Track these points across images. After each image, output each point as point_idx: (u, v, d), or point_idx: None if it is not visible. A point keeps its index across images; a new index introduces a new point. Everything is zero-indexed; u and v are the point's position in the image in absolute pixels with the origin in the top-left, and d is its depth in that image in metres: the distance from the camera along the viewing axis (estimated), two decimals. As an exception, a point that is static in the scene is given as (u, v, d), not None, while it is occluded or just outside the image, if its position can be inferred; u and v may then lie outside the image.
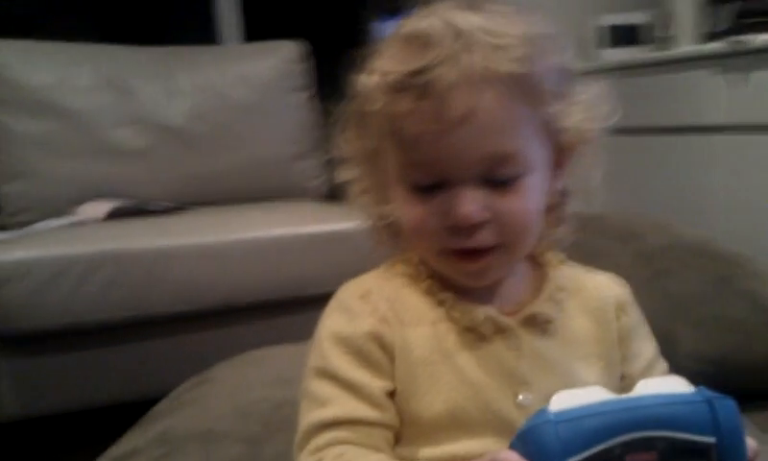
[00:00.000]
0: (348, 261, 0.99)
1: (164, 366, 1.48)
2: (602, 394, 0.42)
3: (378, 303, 0.59)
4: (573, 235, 0.64)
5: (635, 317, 0.65)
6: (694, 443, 0.40)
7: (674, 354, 0.89)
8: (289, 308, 1.55)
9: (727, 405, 0.41)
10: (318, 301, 0.63)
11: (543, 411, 0.41)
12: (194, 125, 2.04)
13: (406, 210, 0.57)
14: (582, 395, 0.41)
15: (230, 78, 2.12)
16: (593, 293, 0.64)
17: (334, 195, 1.77)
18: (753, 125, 1.81)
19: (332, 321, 0.60)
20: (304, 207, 1.95)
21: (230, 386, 0.92)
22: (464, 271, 0.57)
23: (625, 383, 0.61)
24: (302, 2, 2.98)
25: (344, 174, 0.65)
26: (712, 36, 2.11)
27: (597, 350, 0.62)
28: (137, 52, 2.13)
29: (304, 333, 0.63)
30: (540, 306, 0.60)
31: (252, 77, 2.15)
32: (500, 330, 0.58)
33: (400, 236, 0.62)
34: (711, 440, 0.40)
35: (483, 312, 0.58)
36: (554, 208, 0.62)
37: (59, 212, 1.81)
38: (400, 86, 0.53)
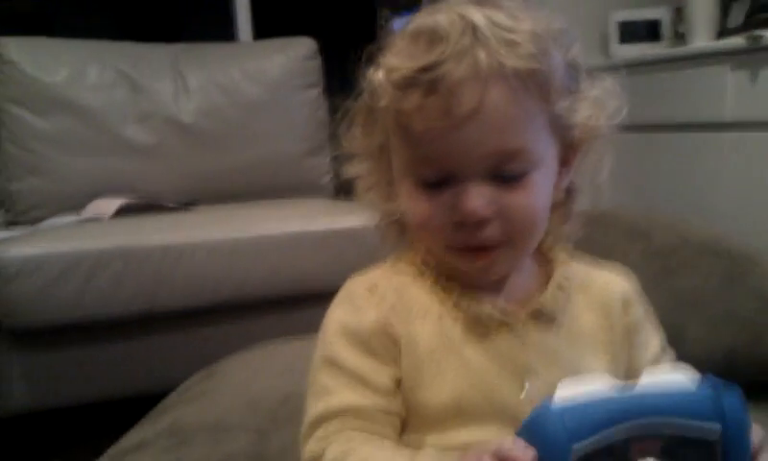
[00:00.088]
0: (356, 258, 0.99)
1: (173, 360, 1.49)
2: (607, 382, 0.42)
3: (385, 296, 0.59)
4: (582, 232, 0.64)
5: (641, 310, 0.65)
6: (699, 430, 0.40)
7: (683, 352, 0.89)
8: (297, 304, 1.55)
9: (732, 393, 0.41)
10: (326, 297, 0.63)
11: (549, 399, 0.41)
12: (205, 121, 2.05)
13: (413, 206, 0.57)
14: (587, 383, 0.42)
15: (242, 75, 2.13)
16: (600, 287, 0.64)
17: (345, 192, 1.78)
18: (765, 122, 1.80)
19: (339, 313, 0.60)
20: (314, 204, 1.95)
21: (239, 379, 0.93)
22: (469, 267, 0.57)
23: (631, 375, 0.61)
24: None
25: (352, 170, 0.66)
26: (726, 33, 2.09)
27: (603, 343, 0.62)
28: (149, 49, 2.14)
29: (312, 328, 0.63)
30: (546, 300, 0.60)
31: (263, 74, 2.15)
32: (506, 323, 0.58)
33: (407, 232, 0.62)
34: (717, 427, 0.40)
35: (488, 305, 0.58)
36: (561, 205, 0.62)
37: (70, 209, 1.83)
38: (408, 83, 0.53)
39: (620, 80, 0.61)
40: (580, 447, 0.39)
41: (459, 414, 0.56)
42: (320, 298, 0.66)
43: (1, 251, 1.37)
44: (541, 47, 0.53)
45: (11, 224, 1.88)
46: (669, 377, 0.42)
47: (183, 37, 2.27)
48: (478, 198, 0.53)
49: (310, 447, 0.56)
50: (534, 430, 0.41)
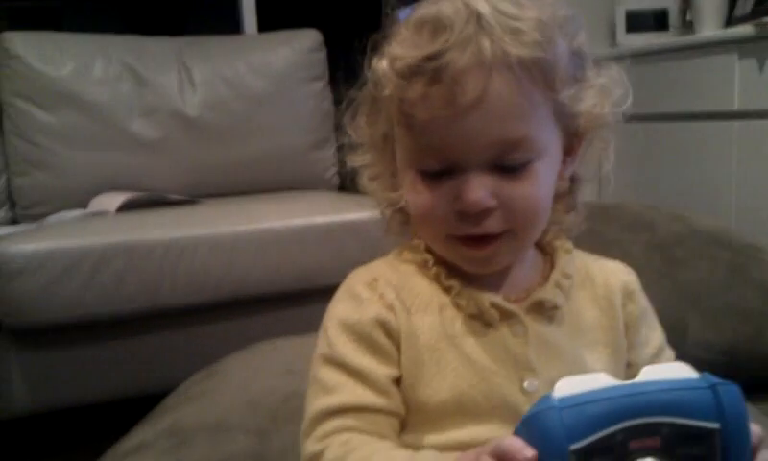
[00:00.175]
0: (360, 251, 0.99)
1: (174, 359, 1.48)
2: (606, 380, 0.42)
3: (385, 291, 0.59)
4: (585, 224, 0.64)
5: (642, 305, 0.65)
6: (698, 428, 0.40)
7: (685, 343, 0.88)
8: (299, 301, 1.55)
9: (731, 391, 0.40)
10: (328, 293, 0.63)
11: (547, 397, 0.41)
12: (210, 115, 2.05)
13: (414, 196, 0.57)
14: (586, 381, 0.41)
15: (247, 68, 2.13)
16: (600, 281, 0.64)
17: (350, 185, 1.77)
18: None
19: (339, 308, 0.60)
20: (318, 197, 1.95)
21: (239, 378, 0.93)
22: (471, 257, 0.57)
23: (632, 371, 0.61)
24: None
25: (355, 159, 0.66)
26: (734, 21, 2.08)
27: (604, 337, 0.61)
28: (153, 42, 2.14)
29: (314, 326, 0.63)
30: (547, 293, 0.59)
31: (268, 67, 2.15)
32: (506, 317, 0.58)
33: (410, 223, 0.62)
34: (715, 425, 0.40)
35: (488, 299, 0.58)
36: (565, 195, 0.62)
37: (73, 204, 1.83)
38: (412, 71, 0.52)
39: (627, 69, 0.60)
40: (578, 445, 0.39)
41: (459, 411, 0.56)
42: (322, 294, 0.66)
43: (4, 246, 1.36)
44: (546, 35, 0.52)
45: (15, 220, 1.88)
46: (668, 375, 0.42)
47: (188, 30, 2.27)
48: (480, 188, 0.53)
49: (310, 446, 0.56)
50: (532, 428, 0.41)
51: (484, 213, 0.54)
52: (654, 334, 0.65)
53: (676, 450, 0.40)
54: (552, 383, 0.42)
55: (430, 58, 0.51)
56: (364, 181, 0.66)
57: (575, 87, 0.56)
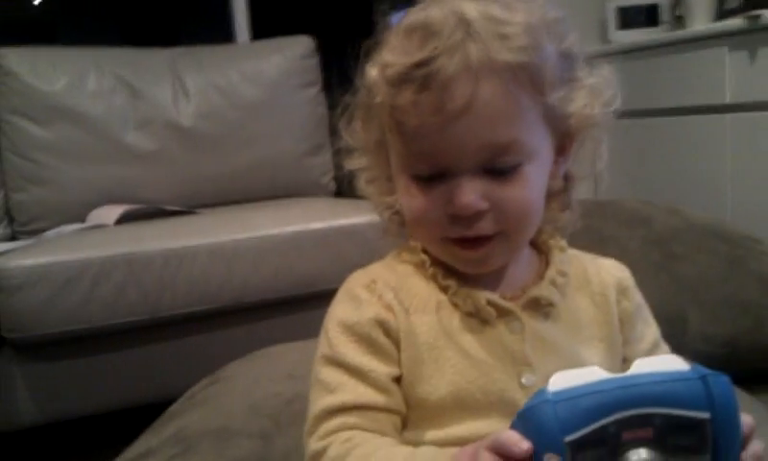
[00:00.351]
0: (358, 255, 0.99)
1: (178, 367, 1.49)
2: (599, 374, 0.42)
3: (383, 292, 0.60)
4: (582, 221, 0.65)
5: (636, 301, 0.66)
6: (689, 418, 0.40)
7: (685, 337, 0.89)
8: (299, 306, 1.56)
9: (721, 381, 0.41)
10: (328, 296, 0.64)
11: (542, 391, 0.42)
12: (205, 125, 2.05)
13: (409, 200, 0.58)
14: (580, 374, 0.42)
15: (240, 76, 2.13)
16: (595, 277, 0.64)
17: (346, 190, 1.78)
18: (765, 102, 1.80)
19: (339, 310, 0.61)
20: (315, 203, 1.96)
21: (242, 384, 0.93)
22: (465, 259, 0.58)
23: (627, 367, 0.61)
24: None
25: (351, 164, 0.66)
26: (724, 14, 2.09)
27: (599, 333, 0.62)
28: (146, 54, 2.14)
29: (315, 331, 0.64)
30: (542, 291, 0.60)
31: (261, 75, 2.15)
32: (503, 314, 0.59)
33: (406, 225, 0.63)
34: (706, 415, 0.40)
35: (485, 297, 0.58)
36: (559, 194, 0.62)
37: (71, 218, 1.83)
38: (402, 79, 0.53)
39: (619, 65, 0.61)
40: (573, 437, 0.39)
41: (458, 407, 0.56)
42: (322, 299, 0.66)
43: (4, 262, 1.37)
44: (534, 39, 0.53)
45: (14, 236, 1.88)
46: (659, 367, 0.42)
47: (181, 40, 2.27)
48: (471, 192, 0.54)
49: (313, 444, 0.57)
50: (528, 422, 0.41)
51: (476, 216, 0.55)
52: (649, 330, 0.66)
53: (668, 440, 0.40)
54: (549, 378, 0.43)
55: (419, 65, 0.52)
56: (361, 184, 0.67)
57: (565, 89, 0.56)
